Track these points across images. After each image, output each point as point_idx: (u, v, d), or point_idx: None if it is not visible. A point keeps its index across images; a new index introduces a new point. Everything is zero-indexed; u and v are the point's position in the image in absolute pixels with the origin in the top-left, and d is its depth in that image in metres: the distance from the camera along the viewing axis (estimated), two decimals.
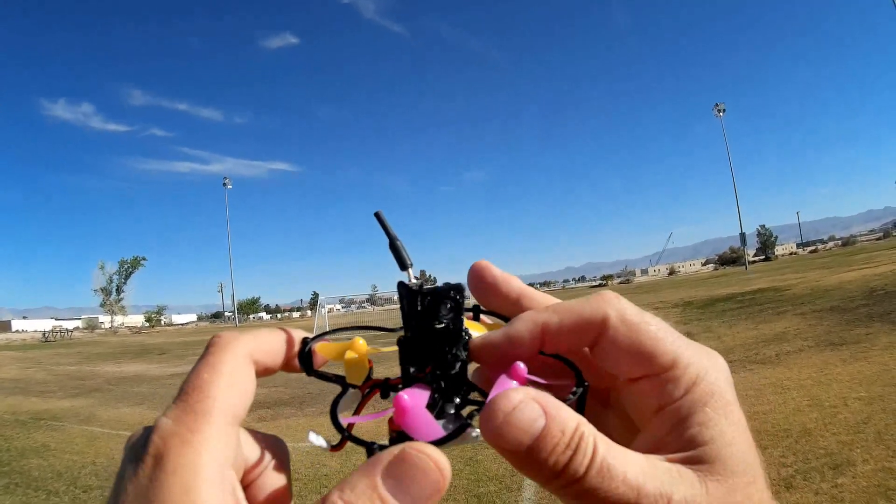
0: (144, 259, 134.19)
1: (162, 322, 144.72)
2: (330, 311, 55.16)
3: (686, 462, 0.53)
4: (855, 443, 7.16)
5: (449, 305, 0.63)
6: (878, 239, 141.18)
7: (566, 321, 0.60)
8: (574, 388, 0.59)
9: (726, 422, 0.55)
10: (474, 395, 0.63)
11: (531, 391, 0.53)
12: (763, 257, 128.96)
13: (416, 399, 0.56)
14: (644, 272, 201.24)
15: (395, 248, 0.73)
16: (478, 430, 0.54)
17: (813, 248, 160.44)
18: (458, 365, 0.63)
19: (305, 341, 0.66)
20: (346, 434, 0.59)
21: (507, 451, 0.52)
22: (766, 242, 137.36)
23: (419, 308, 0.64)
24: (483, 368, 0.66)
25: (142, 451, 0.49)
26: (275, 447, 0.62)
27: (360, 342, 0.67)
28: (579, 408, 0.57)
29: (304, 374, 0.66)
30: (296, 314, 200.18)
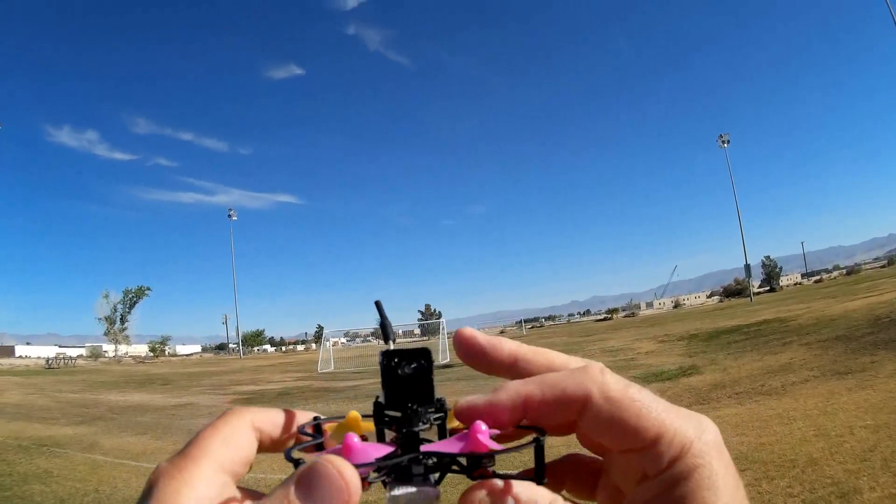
0: (149, 289, 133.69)
1: (166, 352, 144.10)
2: (334, 344, 55.27)
3: None
4: (861, 471, 7.13)
5: (413, 365, 0.66)
6: (882, 266, 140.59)
7: (548, 395, 0.61)
8: (532, 439, 0.60)
9: (710, 493, 0.55)
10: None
11: (500, 484, 0.57)
12: (768, 288, 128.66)
13: (366, 445, 0.60)
14: (649, 305, 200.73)
15: (383, 326, 0.79)
16: (437, 489, 0.60)
17: (818, 277, 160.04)
18: (422, 425, 0.64)
19: (317, 419, 0.71)
20: (286, 455, 0.61)
21: None
22: (771, 273, 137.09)
23: (388, 368, 0.66)
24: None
25: (145, 486, 0.56)
26: None
27: (357, 416, 0.69)
28: (538, 460, 0.59)
29: (310, 416, 0.71)
30: (300, 347, 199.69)
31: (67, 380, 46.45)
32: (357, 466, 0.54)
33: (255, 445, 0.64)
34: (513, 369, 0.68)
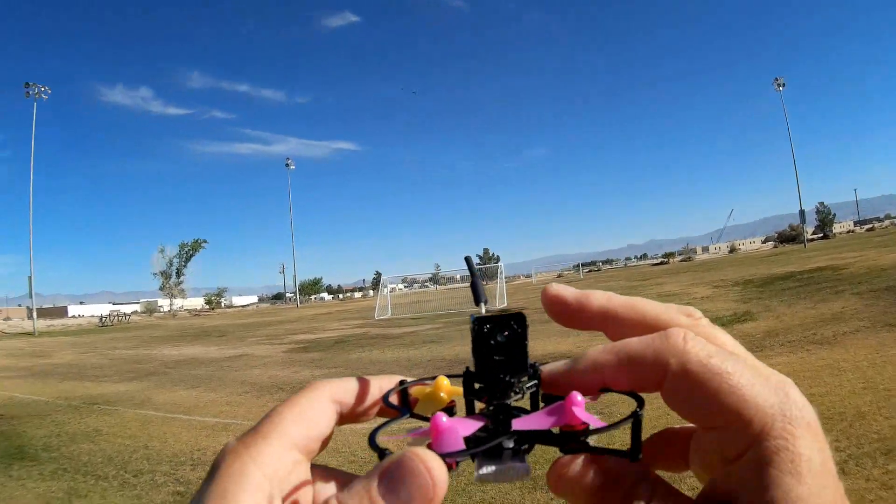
0: (205, 242, 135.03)
1: (222, 304, 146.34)
2: (392, 290, 55.87)
3: None
4: None
5: (506, 333, 0.62)
6: None
7: (625, 365, 0.58)
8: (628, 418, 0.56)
9: (793, 480, 0.50)
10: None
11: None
12: (821, 235, 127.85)
13: (454, 422, 0.56)
14: (705, 250, 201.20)
15: (474, 286, 0.74)
16: (527, 465, 0.57)
17: (870, 226, 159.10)
18: (515, 395, 0.62)
19: (402, 383, 0.67)
20: (370, 442, 0.56)
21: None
22: (825, 220, 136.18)
23: (479, 336, 0.62)
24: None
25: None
26: None
27: (445, 381, 0.66)
28: (634, 436, 0.56)
29: (395, 380, 0.68)
30: (358, 294, 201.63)
31: (121, 336, 47.47)
32: (444, 456, 0.52)
33: (332, 421, 0.62)
34: (603, 325, 0.65)
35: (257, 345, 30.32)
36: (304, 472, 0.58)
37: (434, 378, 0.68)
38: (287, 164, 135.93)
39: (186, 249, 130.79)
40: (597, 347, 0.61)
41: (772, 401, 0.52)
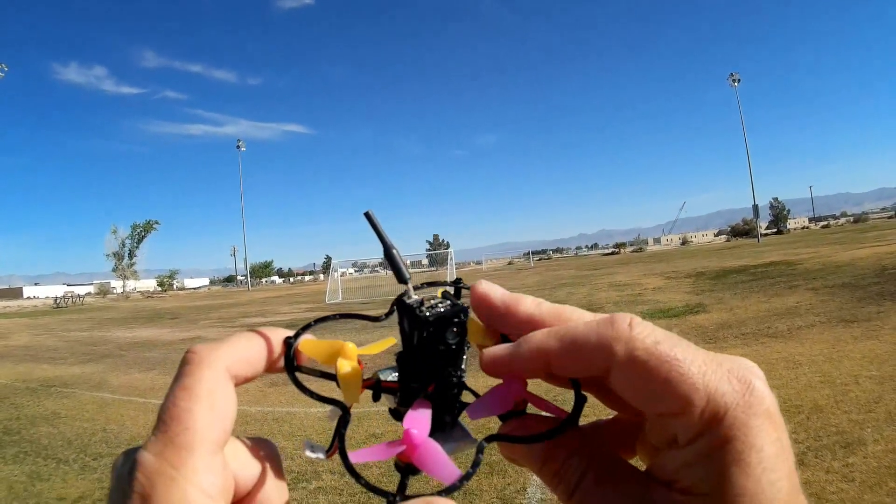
0: (157, 223, 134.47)
1: (174, 286, 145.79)
2: (343, 274, 55.35)
3: None
4: (866, 422, 7.17)
5: (454, 329, 0.60)
6: (889, 217, 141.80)
7: (568, 350, 0.56)
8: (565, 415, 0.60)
9: (739, 472, 0.49)
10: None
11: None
12: (775, 230, 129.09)
13: (423, 428, 0.56)
14: (657, 241, 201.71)
15: (391, 258, 0.67)
16: (474, 439, 0.61)
17: (825, 223, 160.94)
18: (457, 381, 0.62)
19: (289, 343, 0.61)
20: (364, 483, 0.55)
21: None
22: (779, 215, 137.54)
23: (424, 334, 0.59)
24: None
25: (128, 487, 0.48)
26: (265, 451, 0.60)
27: (350, 347, 0.62)
28: (577, 407, 0.59)
29: (280, 336, 0.61)
30: (308, 278, 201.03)
31: (75, 318, 46.88)
32: (450, 491, 0.51)
33: (236, 401, 0.56)
34: (529, 328, 0.61)
35: (210, 328, 30.23)
36: (228, 469, 0.53)
37: (316, 323, 0.65)
38: (238, 146, 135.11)
39: (138, 231, 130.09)
40: (540, 332, 0.59)
41: (724, 388, 0.51)
